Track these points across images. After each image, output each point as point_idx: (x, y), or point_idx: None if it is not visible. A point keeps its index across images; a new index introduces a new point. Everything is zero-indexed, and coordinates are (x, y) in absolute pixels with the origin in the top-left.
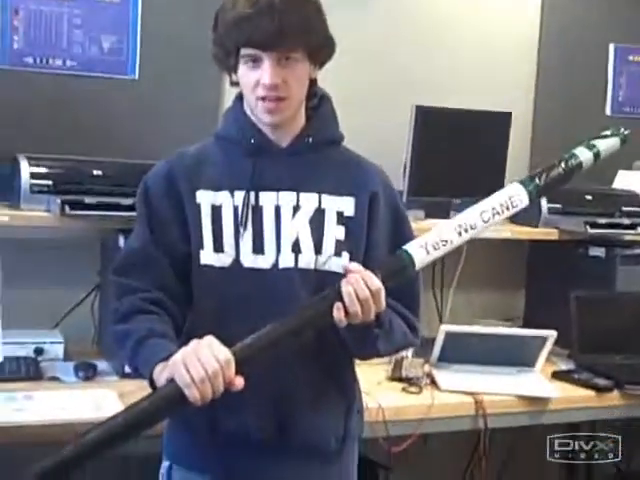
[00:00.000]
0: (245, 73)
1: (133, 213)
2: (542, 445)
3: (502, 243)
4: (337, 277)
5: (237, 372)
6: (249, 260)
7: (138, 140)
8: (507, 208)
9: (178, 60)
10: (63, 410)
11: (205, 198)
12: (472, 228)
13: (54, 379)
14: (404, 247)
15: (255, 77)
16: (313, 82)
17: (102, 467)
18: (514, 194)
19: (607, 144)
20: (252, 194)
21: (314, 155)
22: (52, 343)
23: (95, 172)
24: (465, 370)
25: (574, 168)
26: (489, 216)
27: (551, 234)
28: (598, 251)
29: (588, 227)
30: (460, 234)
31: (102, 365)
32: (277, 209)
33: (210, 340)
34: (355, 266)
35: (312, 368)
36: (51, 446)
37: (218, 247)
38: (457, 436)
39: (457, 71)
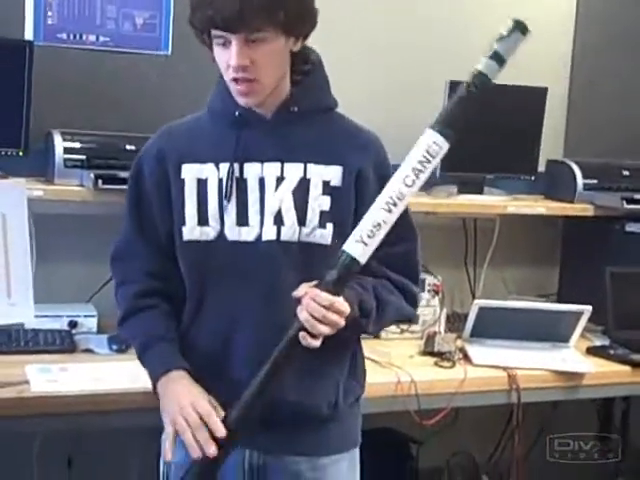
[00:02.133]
0: (217, 53)
1: None
2: (575, 420)
3: (536, 219)
4: (322, 249)
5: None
6: (233, 233)
7: (170, 115)
8: (428, 161)
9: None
10: (97, 381)
11: (190, 172)
12: (400, 198)
13: (88, 351)
14: (343, 247)
15: (225, 58)
16: (299, 53)
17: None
18: (430, 143)
19: (507, 44)
20: (237, 166)
21: (301, 124)
22: (86, 316)
23: (128, 147)
24: (498, 345)
25: (478, 82)
26: (412, 178)
27: (587, 210)
28: (634, 227)
29: (624, 202)
30: (390, 210)
31: None
32: (261, 181)
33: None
34: (302, 290)
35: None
36: (85, 415)
37: (203, 221)
38: (489, 410)
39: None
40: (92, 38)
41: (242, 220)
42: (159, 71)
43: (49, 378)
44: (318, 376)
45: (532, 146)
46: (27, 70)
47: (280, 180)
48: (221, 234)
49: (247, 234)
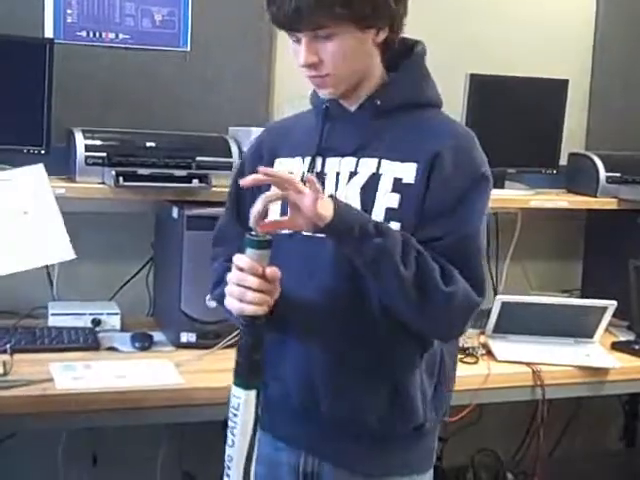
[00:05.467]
0: (293, 50)
1: (186, 185)
2: (600, 416)
3: (559, 213)
4: None
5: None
6: None
7: (190, 112)
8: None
9: (229, 31)
10: (121, 378)
11: (280, 166)
12: None
13: (111, 349)
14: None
15: (298, 55)
16: (393, 44)
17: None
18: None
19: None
20: (319, 160)
21: (383, 119)
22: (109, 314)
23: (148, 144)
24: (522, 341)
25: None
26: None
27: (610, 203)
28: None
29: None
30: None
31: (158, 336)
32: (337, 175)
33: None
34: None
35: (349, 341)
36: (109, 412)
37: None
38: (513, 407)
39: (513, 41)
40: (111, 36)
41: None
42: (178, 67)
43: (74, 375)
44: (363, 390)
45: (554, 139)
46: (48, 68)
47: (353, 175)
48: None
49: None
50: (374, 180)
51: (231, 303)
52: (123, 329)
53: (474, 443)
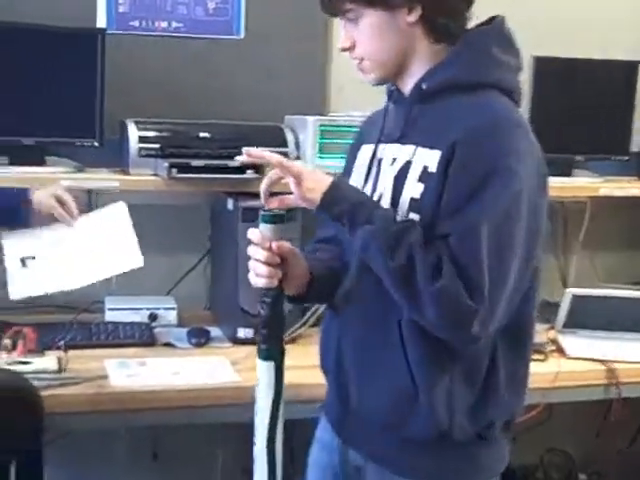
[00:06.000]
0: None
1: (241, 175)
2: None
3: (630, 201)
4: None
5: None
6: None
7: (245, 101)
8: None
9: (284, 18)
10: (175, 376)
11: (361, 154)
12: None
13: (167, 345)
14: None
15: None
16: (437, 27)
17: None
18: None
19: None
20: (380, 147)
21: (428, 103)
22: (166, 309)
23: (202, 134)
24: (594, 336)
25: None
26: None
27: None
28: None
29: None
30: None
31: (215, 331)
32: (379, 162)
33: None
34: None
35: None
36: (165, 410)
37: None
38: (585, 404)
39: (580, 21)
40: (164, 25)
41: None
42: (233, 55)
43: (129, 373)
44: (376, 376)
45: (624, 124)
46: (100, 59)
47: (393, 162)
48: None
49: None
50: (406, 168)
51: (249, 275)
52: (180, 324)
53: (543, 442)
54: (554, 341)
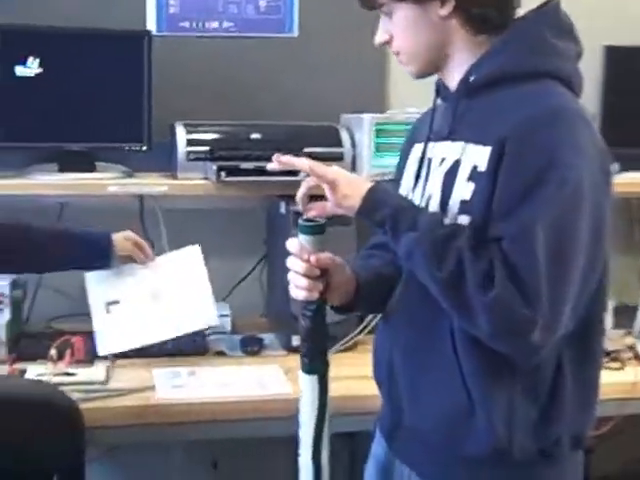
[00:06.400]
0: None
1: (294, 178)
2: None
3: None
4: None
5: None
6: None
7: (299, 101)
8: None
9: (338, 14)
10: (224, 387)
11: (413, 153)
12: None
13: (220, 354)
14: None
15: None
16: (476, 17)
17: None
18: None
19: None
20: (430, 145)
21: (476, 96)
22: (220, 316)
23: (253, 136)
24: None
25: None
26: None
27: None
28: None
29: None
30: None
31: (269, 338)
32: (429, 162)
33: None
34: None
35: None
36: (208, 423)
37: None
38: None
39: None
40: (215, 25)
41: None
42: (286, 54)
43: (175, 384)
44: (428, 390)
45: None
46: (147, 61)
47: (442, 161)
48: None
49: None
50: (455, 167)
51: (290, 288)
52: (234, 331)
53: (623, 455)
54: (632, 348)
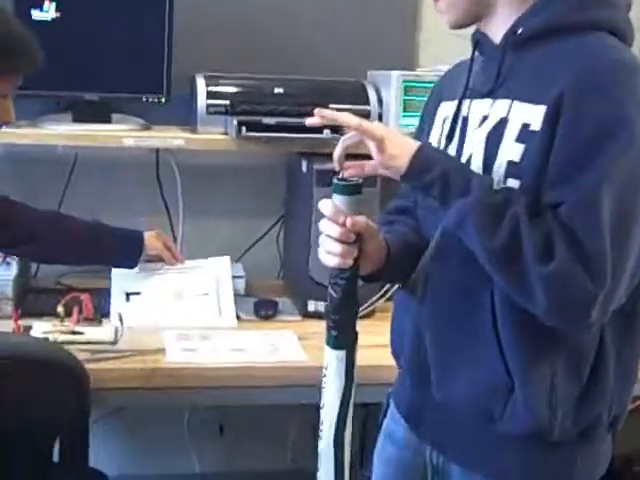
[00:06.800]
0: None
1: (318, 135)
2: None
3: None
4: None
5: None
6: None
7: (326, 54)
8: None
9: None
10: (238, 352)
11: (441, 111)
12: None
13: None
14: None
15: None
16: None
17: None
18: None
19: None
20: (466, 102)
21: (525, 50)
22: (234, 277)
23: (276, 90)
24: None
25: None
26: None
27: None
28: None
29: None
30: None
31: (284, 303)
32: (476, 120)
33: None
34: None
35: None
36: (220, 389)
37: None
38: None
39: None
40: None
41: None
42: (314, 6)
43: (187, 346)
44: (462, 364)
45: None
46: (168, 8)
47: (484, 120)
48: None
49: None
50: (501, 126)
51: (320, 253)
52: (248, 294)
53: None
54: None
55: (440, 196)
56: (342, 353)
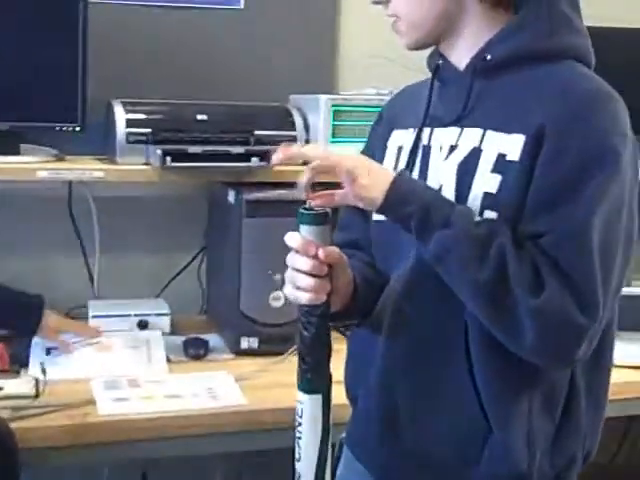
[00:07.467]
0: None
1: (244, 164)
2: None
3: None
4: None
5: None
6: None
7: (246, 78)
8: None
9: None
10: (174, 399)
11: (394, 140)
12: None
13: None
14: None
15: None
16: None
17: None
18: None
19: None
20: (427, 131)
21: (495, 78)
22: (158, 315)
23: (199, 117)
24: None
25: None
26: None
27: None
28: None
29: None
30: None
31: (214, 340)
32: (439, 149)
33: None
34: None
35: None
36: (158, 441)
37: None
38: None
39: None
40: None
41: None
42: (231, 27)
43: (118, 395)
44: (435, 407)
45: None
46: (82, 31)
47: (453, 149)
48: None
49: None
50: (474, 156)
51: (287, 289)
52: (173, 332)
53: None
54: None
55: (418, 229)
56: (318, 397)
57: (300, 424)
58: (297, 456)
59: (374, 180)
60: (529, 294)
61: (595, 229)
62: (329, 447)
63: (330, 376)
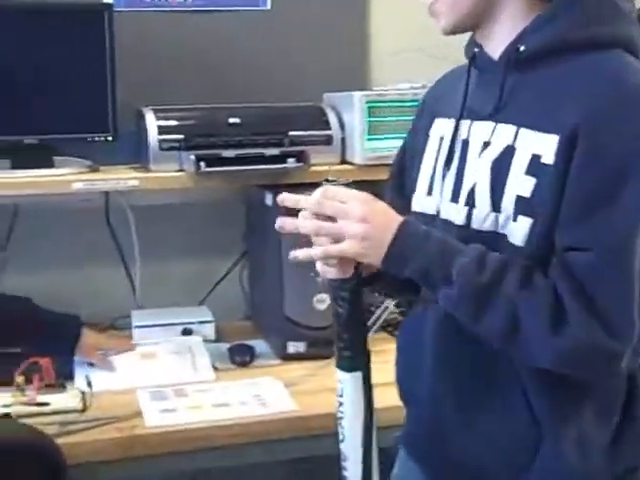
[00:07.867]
0: None
1: (280, 165)
2: None
3: None
4: (512, 250)
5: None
6: (447, 210)
7: (278, 79)
8: None
9: None
10: (223, 408)
11: (436, 129)
12: None
13: None
14: None
15: None
16: None
17: None
18: None
19: None
20: (465, 123)
21: (530, 70)
22: (201, 322)
23: (232, 120)
24: None
25: None
26: None
27: None
28: None
29: None
30: None
31: (260, 346)
32: (475, 144)
33: None
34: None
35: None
36: (207, 451)
37: (429, 189)
38: None
39: None
40: None
41: (456, 194)
42: (259, 29)
43: (164, 407)
44: (484, 418)
45: None
46: (109, 40)
47: (486, 145)
48: (439, 210)
49: (456, 214)
50: (508, 155)
51: (318, 265)
52: (218, 339)
53: None
54: None
55: (422, 285)
56: (358, 374)
57: (341, 404)
58: (341, 437)
59: (372, 250)
60: (551, 333)
61: (635, 242)
62: (374, 425)
63: (369, 353)
